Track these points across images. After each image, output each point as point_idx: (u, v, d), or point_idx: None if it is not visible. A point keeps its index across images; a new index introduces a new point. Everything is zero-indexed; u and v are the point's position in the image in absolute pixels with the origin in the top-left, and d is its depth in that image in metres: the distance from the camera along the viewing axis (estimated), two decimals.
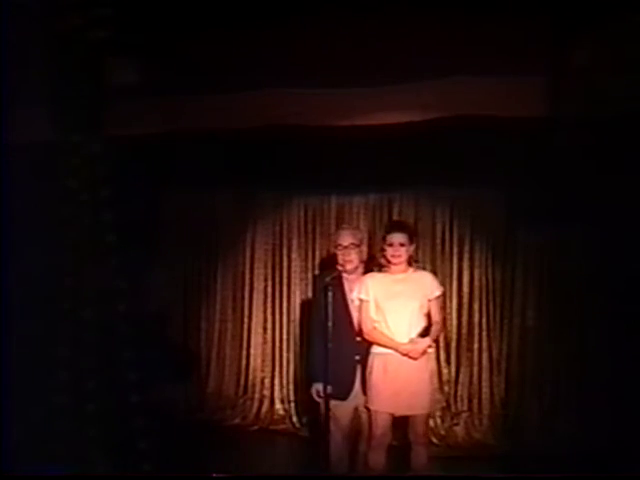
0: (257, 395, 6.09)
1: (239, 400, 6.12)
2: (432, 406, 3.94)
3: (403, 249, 3.80)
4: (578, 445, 4.94)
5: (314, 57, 4.24)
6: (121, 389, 3.70)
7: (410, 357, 3.69)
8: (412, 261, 3.91)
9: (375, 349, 3.79)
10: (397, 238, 3.81)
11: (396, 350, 3.70)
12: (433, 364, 3.93)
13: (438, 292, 3.90)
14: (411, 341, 3.71)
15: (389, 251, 3.81)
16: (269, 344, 6.14)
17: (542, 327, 5.44)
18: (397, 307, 3.76)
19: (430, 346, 3.83)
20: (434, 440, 5.43)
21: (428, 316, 3.85)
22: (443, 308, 5.60)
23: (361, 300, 3.83)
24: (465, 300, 5.64)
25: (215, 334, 6.26)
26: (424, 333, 3.75)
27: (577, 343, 5.28)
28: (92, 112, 3.74)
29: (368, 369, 3.80)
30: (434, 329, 3.84)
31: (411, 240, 3.84)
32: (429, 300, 3.84)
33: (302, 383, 5.85)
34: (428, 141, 4.55)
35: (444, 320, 4.43)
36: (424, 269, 4.28)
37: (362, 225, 5.66)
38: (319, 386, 3.89)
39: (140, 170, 4.70)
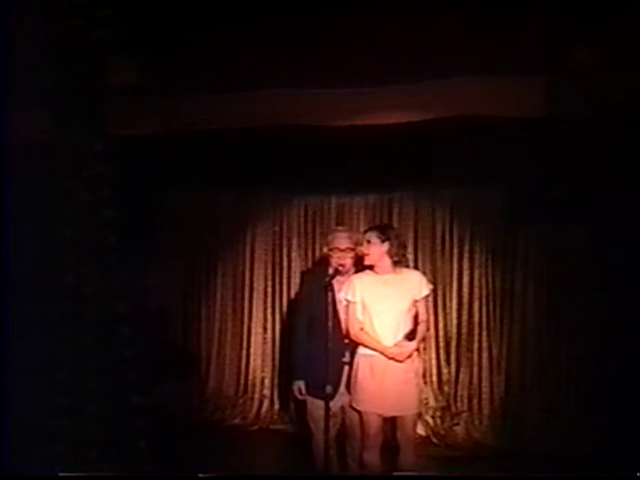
0: (257, 395, 6.09)
1: (239, 400, 6.12)
2: (419, 407, 3.92)
3: (371, 246, 3.76)
4: (578, 445, 4.94)
5: (314, 57, 4.24)
6: (121, 389, 3.69)
7: (396, 360, 3.68)
8: (397, 261, 3.79)
9: (361, 350, 3.77)
10: (366, 236, 3.83)
11: (382, 353, 3.69)
12: (419, 364, 3.88)
13: (426, 291, 3.84)
14: (397, 345, 3.69)
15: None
16: (269, 344, 6.14)
17: (542, 327, 5.44)
18: (383, 309, 3.73)
19: (417, 349, 3.81)
20: (434, 440, 5.44)
21: (415, 318, 3.82)
22: (442, 307, 5.65)
23: (348, 301, 3.80)
24: (465, 300, 5.64)
25: (215, 334, 6.26)
26: (410, 336, 3.73)
27: (577, 343, 5.28)
28: (92, 112, 3.74)
29: (354, 370, 3.79)
30: (420, 328, 3.80)
31: (382, 239, 3.76)
32: (417, 300, 3.80)
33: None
34: (428, 141, 4.55)
35: (429, 320, 4.31)
36: (413, 268, 4.17)
37: (362, 225, 5.63)
38: (301, 383, 3.94)
39: (140, 170, 4.70)
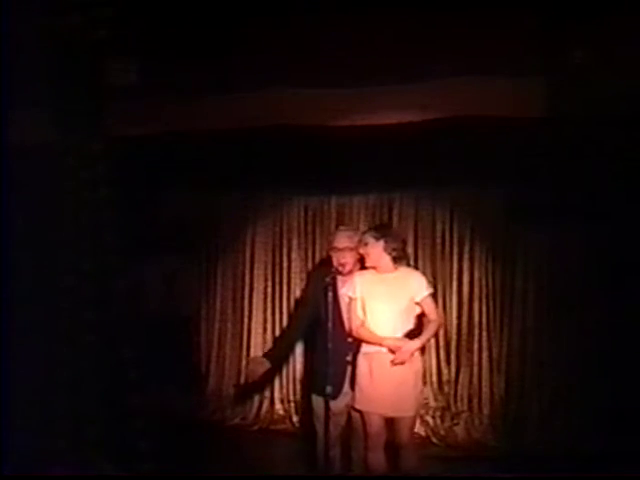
0: (257, 395, 6.09)
1: (239, 400, 6.12)
2: (417, 409, 3.89)
3: (368, 248, 3.81)
4: (578, 445, 4.94)
5: (315, 57, 4.24)
6: (121, 389, 3.69)
7: (396, 358, 3.67)
8: (396, 257, 3.83)
9: (364, 348, 3.80)
10: (363, 239, 3.89)
11: (381, 345, 3.69)
12: (419, 366, 3.85)
13: (426, 293, 3.83)
14: (397, 339, 3.70)
15: None
16: (269, 344, 6.13)
17: (542, 327, 5.44)
18: (380, 307, 3.76)
19: (420, 348, 3.81)
20: (434, 440, 5.45)
21: (419, 318, 3.83)
22: (442, 307, 5.63)
23: (350, 298, 3.85)
24: (465, 300, 5.64)
25: (215, 334, 6.26)
26: (410, 336, 3.74)
27: (577, 343, 5.28)
28: (92, 112, 3.74)
29: (357, 369, 3.81)
30: (431, 327, 3.81)
31: (377, 237, 3.81)
32: (417, 302, 3.80)
33: (302, 383, 5.87)
34: (428, 141, 4.55)
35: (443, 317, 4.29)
36: (414, 269, 4.18)
37: (362, 226, 5.62)
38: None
39: (140, 170, 4.70)
